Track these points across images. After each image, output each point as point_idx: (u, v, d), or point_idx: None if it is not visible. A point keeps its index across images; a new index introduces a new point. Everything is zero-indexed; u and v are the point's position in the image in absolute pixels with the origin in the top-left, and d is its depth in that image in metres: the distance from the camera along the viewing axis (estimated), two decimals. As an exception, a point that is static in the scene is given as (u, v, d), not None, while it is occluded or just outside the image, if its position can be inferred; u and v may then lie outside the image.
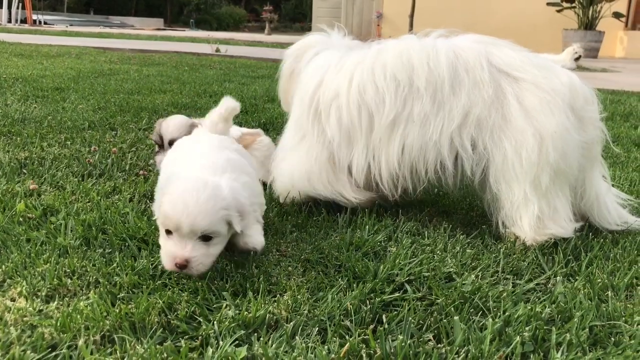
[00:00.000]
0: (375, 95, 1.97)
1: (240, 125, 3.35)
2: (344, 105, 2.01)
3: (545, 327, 1.33)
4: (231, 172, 1.66)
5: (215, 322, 1.29)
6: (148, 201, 2.10)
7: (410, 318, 1.35)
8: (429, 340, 1.29)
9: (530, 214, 1.86)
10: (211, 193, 1.48)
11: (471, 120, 1.89)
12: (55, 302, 1.37)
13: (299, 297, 1.44)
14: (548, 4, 14.29)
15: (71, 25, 22.64)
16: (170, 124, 2.36)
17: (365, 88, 1.98)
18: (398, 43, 2.05)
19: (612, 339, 1.33)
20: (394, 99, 1.94)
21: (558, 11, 14.15)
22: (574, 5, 14.04)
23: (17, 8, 19.41)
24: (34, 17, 21.01)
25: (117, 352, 1.19)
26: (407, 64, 1.95)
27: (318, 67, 2.14)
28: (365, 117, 1.99)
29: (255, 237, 1.66)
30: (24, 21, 20.00)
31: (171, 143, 2.31)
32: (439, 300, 1.46)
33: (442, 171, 1.96)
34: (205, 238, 1.47)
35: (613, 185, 2.51)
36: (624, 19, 15.20)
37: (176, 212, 1.43)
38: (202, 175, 1.56)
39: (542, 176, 1.83)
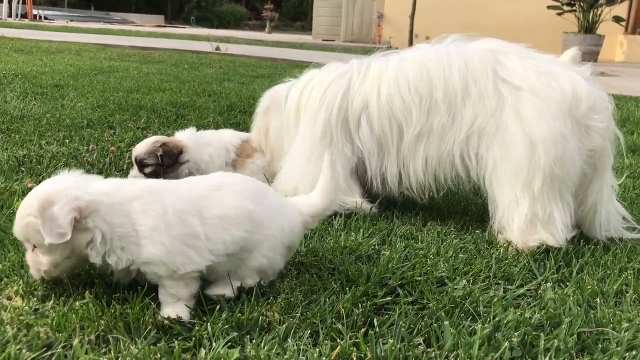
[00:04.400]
0: (402, 108, 2.05)
1: (239, 126, 3.35)
2: (374, 116, 2.10)
3: (534, 333, 1.35)
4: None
5: (208, 324, 1.31)
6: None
7: (401, 322, 1.37)
8: (419, 344, 1.31)
9: (520, 216, 1.90)
10: (27, 200, 1.35)
11: (474, 130, 1.97)
12: (51, 302, 1.38)
13: (292, 299, 1.46)
14: (549, 7, 14.31)
15: (71, 20, 22.62)
16: (139, 145, 2.38)
17: (393, 100, 2.06)
18: (416, 53, 2.11)
19: (600, 345, 1.35)
20: (419, 112, 2.03)
21: (558, 14, 14.16)
22: (574, 8, 14.05)
23: (18, 3, 19.41)
24: (35, 12, 21.00)
25: (112, 352, 1.21)
26: (426, 77, 2.03)
27: (340, 75, 2.19)
28: (395, 128, 2.08)
29: (165, 308, 1.38)
30: (24, 16, 19.98)
31: (137, 161, 2.34)
32: (430, 305, 1.48)
33: (457, 178, 2.08)
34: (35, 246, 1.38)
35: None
36: (624, 23, 15.22)
37: None
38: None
39: (534, 180, 1.87)
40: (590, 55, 13.43)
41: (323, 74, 2.26)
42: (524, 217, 1.90)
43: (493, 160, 1.94)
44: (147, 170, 2.34)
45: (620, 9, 14.40)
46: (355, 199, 2.16)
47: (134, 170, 2.36)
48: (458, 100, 1.99)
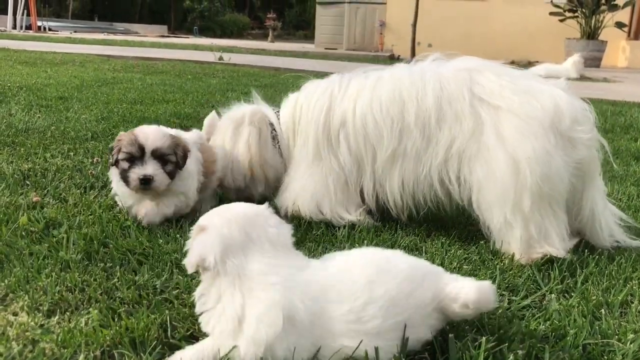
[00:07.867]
0: (374, 128, 2.05)
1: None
2: (351, 134, 2.10)
3: (538, 345, 1.35)
4: None
5: (213, 338, 1.31)
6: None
7: (405, 335, 1.37)
8: (424, 357, 1.31)
9: (515, 238, 1.89)
10: None
11: (453, 154, 1.95)
12: (57, 317, 1.39)
13: (296, 313, 1.45)
14: (551, 13, 14.33)
15: (75, 31, 22.77)
16: (151, 134, 2.03)
17: (367, 119, 2.06)
18: (392, 73, 2.10)
19: (605, 357, 1.35)
20: (390, 134, 2.02)
21: (561, 20, 14.19)
22: (576, 14, 14.07)
23: (22, 14, 19.53)
24: (39, 23, 21.14)
25: (117, 367, 1.21)
26: (398, 99, 2.02)
27: (322, 91, 2.19)
28: (370, 147, 2.08)
29: None
30: (28, 27, 20.11)
31: (157, 155, 2.00)
32: (434, 317, 1.47)
33: (437, 200, 2.06)
34: None
35: (611, 198, 2.52)
36: (626, 29, 15.23)
37: None
38: None
39: (522, 200, 1.85)
40: (593, 61, 13.43)
41: (306, 93, 2.25)
42: (519, 239, 1.89)
43: (478, 183, 1.92)
44: (168, 168, 2.03)
45: (623, 15, 14.40)
46: (350, 215, 2.15)
47: (150, 166, 1.99)
48: (432, 123, 1.97)
